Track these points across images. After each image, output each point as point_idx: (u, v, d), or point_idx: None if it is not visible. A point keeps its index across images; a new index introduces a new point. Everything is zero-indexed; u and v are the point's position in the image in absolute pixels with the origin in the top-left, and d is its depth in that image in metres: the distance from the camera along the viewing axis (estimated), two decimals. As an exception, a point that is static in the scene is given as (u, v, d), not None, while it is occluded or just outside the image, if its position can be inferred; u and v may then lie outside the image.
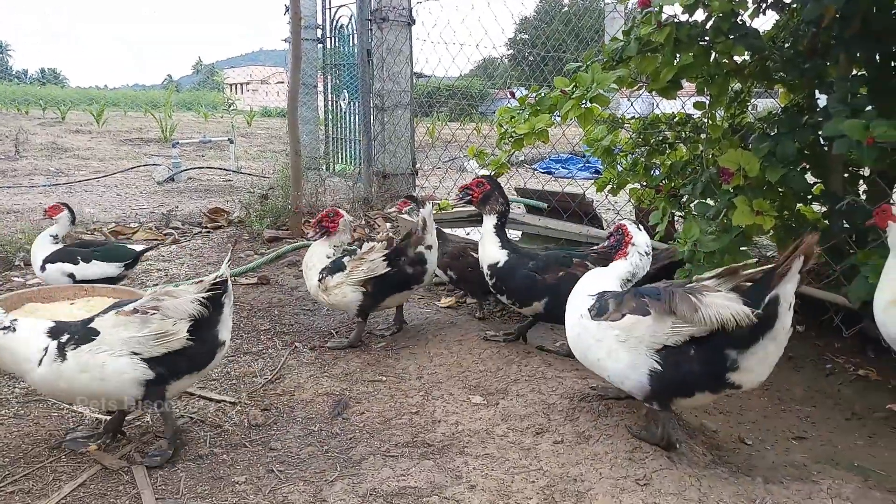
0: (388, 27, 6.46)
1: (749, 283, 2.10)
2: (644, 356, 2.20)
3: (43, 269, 3.99)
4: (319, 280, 3.53)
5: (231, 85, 40.76)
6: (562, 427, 2.59)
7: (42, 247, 4.04)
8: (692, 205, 3.86)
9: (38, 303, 3.57)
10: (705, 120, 4.01)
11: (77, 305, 3.62)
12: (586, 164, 10.03)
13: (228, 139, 10.80)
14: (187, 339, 2.38)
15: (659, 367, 2.19)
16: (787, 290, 2.02)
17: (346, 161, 7.92)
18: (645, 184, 4.41)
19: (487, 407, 2.81)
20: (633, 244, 2.58)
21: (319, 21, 7.97)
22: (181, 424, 2.69)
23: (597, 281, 2.54)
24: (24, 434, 2.59)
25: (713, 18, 3.39)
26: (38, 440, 2.55)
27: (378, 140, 6.63)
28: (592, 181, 4.67)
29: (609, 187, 4.50)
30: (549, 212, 4.85)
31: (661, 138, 4.44)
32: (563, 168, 9.94)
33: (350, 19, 7.53)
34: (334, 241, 3.64)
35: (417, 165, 6.97)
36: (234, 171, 9.70)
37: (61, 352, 2.31)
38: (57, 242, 4.08)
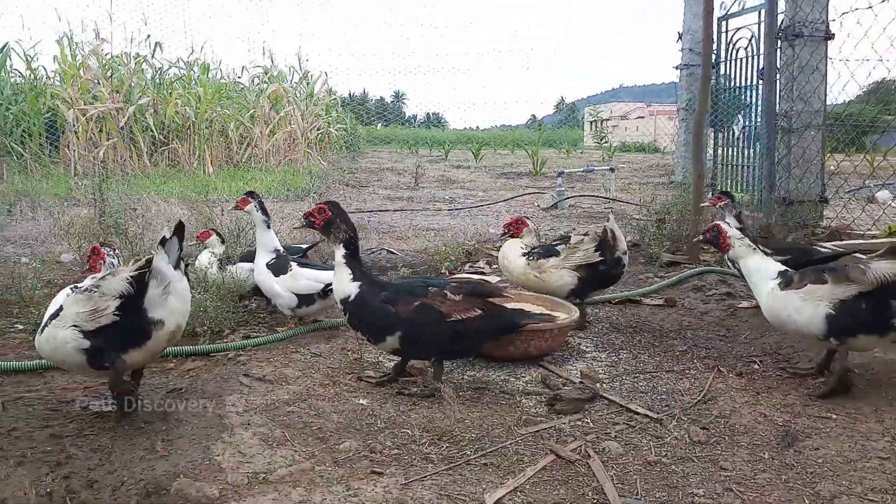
0: (800, 44, 5.98)
1: None
2: (823, 308, 2.93)
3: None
4: (528, 261, 4.08)
5: (591, 122, 42.14)
6: None
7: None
8: None
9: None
10: None
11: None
12: None
13: (610, 168, 11.11)
14: (114, 314, 2.61)
15: (833, 314, 2.92)
16: None
17: (736, 188, 7.51)
18: None
19: None
20: (730, 236, 3.36)
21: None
22: (619, 430, 2.72)
23: (769, 268, 3.23)
24: (483, 416, 2.86)
25: None
26: (495, 423, 2.79)
27: (782, 164, 6.14)
28: None
29: None
30: None
31: None
32: None
33: (750, 40, 7.17)
34: (524, 241, 4.23)
35: (826, 193, 6.28)
36: (611, 199, 9.91)
37: (44, 327, 2.74)
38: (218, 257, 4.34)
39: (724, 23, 7.62)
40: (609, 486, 2.28)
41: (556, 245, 4.11)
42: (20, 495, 2.26)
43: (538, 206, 9.93)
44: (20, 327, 3.92)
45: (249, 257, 4.20)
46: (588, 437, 2.68)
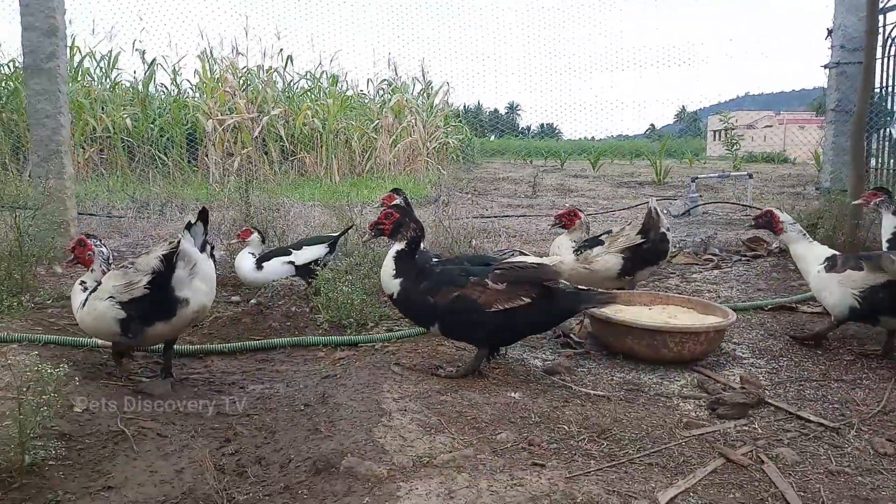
0: (977, 34, 5.45)
1: None
2: (850, 293, 3.30)
3: (260, 268, 4.52)
4: (577, 255, 4.21)
5: (717, 131, 40.43)
6: None
7: (247, 257, 4.61)
8: None
9: (621, 305, 3.86)
10: None
11: (654, 310, 3.81)
12: None
13: (748, 174, 10.60)
14: (145, 287, 2.86)
15: (858, 301, 3.29)
16: None
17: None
18: None
19: None
20: (782, 220, 3.64)
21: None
22: (791, 437, 2.54)
23: (814, 253, 3.57)
24: (641, 417, 2.75)
25: None
26: (654, 424, 2.68)
27: (954, 167, 5.62)
28: None
29: None
30: None
31: None
32: None
33: (912, 34, 6.61)
34: (573, 236, 4.33)
35: None
36: (748, 206, 9.42)
37: (86, 301, 3.04)
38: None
39: (880, 17, 7.07)
40: (791, 492, 2.13)
41: (600, 237, 4.33)
42: (197, 465, 2.38)
43: (668, 212, 9.58)
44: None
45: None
46: (758, 443, 2.52)
